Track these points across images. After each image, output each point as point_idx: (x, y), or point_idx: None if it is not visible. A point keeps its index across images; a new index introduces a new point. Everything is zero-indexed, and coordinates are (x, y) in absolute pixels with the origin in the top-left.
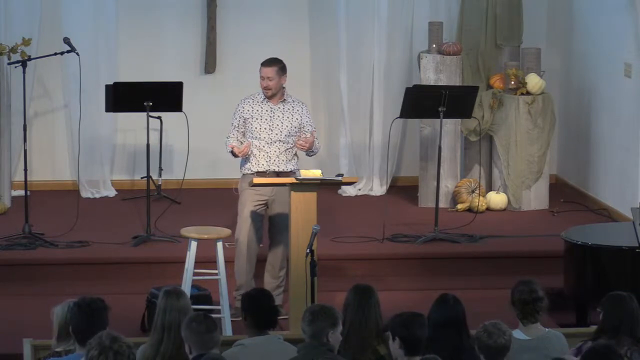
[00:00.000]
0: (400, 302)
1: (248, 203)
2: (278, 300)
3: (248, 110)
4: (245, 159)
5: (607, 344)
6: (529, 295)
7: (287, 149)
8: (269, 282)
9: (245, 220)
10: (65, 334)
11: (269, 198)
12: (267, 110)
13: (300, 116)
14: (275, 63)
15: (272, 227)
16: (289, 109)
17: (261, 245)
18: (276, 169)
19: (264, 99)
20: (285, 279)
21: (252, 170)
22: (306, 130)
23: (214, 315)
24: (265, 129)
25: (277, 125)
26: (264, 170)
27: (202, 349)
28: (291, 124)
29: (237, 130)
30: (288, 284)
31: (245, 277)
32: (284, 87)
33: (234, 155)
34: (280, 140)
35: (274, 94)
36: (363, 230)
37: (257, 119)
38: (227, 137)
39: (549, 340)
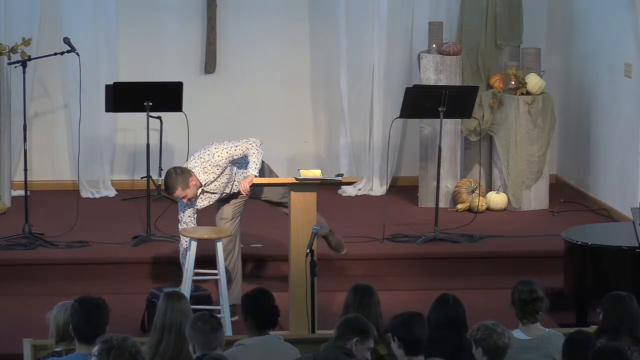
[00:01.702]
0: (400, 302)
1: (226, 206)
2: None
3: (193, 207)
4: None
5: (616, 346)
6: (529, 295)
7: (230, 179)
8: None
9: (224, 222)
10: (64, 335)
11: (246, 198)
12: (200, 200)
13: (222, 167)
14: (175, 186)
15: (270, 201)
16: (213, 184)
17: (242, 246)
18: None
19: None
20: None
21: None
22: (237, 157)
23: None
24: (212, 205)
25: (219, 188)
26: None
27: (206, 348)
28: (222, 176)
29: (191, 212)
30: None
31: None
32: (195, 175)
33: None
34: (224, 192)
35: (196, 196)
36: (363, 230)
37: (200, 207)
38: (181, 223)
39: (548, 340)
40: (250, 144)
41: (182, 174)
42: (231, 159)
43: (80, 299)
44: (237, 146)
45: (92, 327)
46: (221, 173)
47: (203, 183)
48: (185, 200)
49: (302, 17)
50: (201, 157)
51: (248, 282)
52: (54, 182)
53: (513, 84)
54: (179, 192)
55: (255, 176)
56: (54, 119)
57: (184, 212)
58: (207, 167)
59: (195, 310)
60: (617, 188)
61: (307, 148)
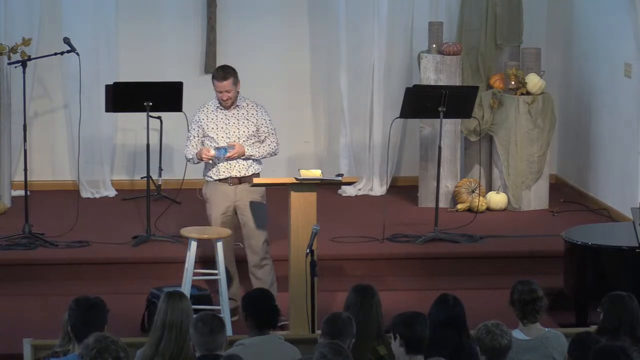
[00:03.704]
0: (400, 302)
1: (214, 212)
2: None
3: (203, 119)
4: (206, 166)
5: (620, 345)
6: (529, 295)
7: (246, 155)
8: (255, 282)
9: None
10: (65, 333)
11: (233, 203)
12: (221, 119)
13: (256, 119)
14: (229, 75)
15: (244, 230)
16: (243, 114)
17: (241, 246)
18: (237, 175)
19: (217, 107)
20: (269, 279)
21: (213, 178)
22: (262, 132)
23: None
24: (222, 137)
25: (233, 132)
26: (225, 177)
27: (205, 350)
28: (247, 128)
29: (196, 140)
30: (288, 285)
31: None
32: (237, 92)
33: (199, 160)
34: (226, 144)
35: (232, 103)
36: (363, 230)
37: (212, 128)
38: (185, 146)
39: (548, 340)
40: (274, 143)
41: (237, 75)
42: (259, 124)
43: (77, 299)
44: (270, 130)
45: (89, 327)
46: (246, 123)
47: (237, 102)
48: (223, 97)
49: (302, 18)
50: (254, 101)
51: (248, 283)
52: (54, 182)
53: (513, 84)
54: (228, 83)
55: (246, 158)
56: (54, 119)
57: (191, 138)
58: (247, 104)
59: (195, 310)
60: (617, 188)
61: (307, 148)
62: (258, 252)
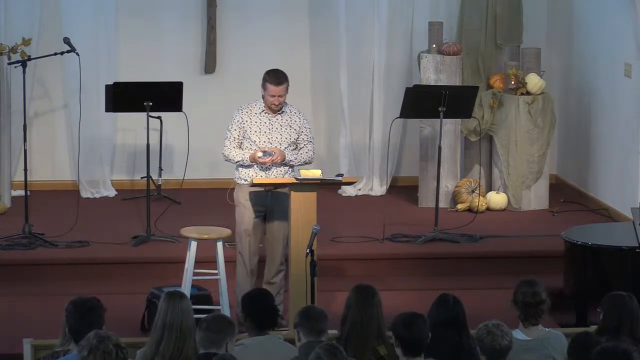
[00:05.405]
0: (400, 302)
1: (247, 215)
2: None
3: (247, 121)
4: (239, 169)
5: (623, 347)
6: (533, 298)
7: (286, 160)
8: (266, 285)
9: (245, 233)
10: (65, 333)
11: (267, 208)
12: (265, 122)
13: (298, 126)
14: (284, 80)
15: (269, 236)
16: (286, 120)
17: (261, 245)
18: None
19: (262, 110)
20: (282, 284)
21: (247, 181)
22: (301, 140)
23: None
24: (263, 141)
25: (276, 137)
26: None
27: (209, 348)
28: (290, 135)
29: (236, 141)
30: (287, 285)
31: (247, 286)
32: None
33: (251, 163)
34: (266, 147)
35: (280, 108)
36: (363, 230)
37: (255, 131)
38: (224, 147)
39: (548, 340)
40: (311, 152)
41: (288, 78)
42: (300, 131)
43: (73, 301)
44: (309, 138)
45: (88, 329)
46: (288, 130)
47: (283, 107)
48: (274, 101)
49: (302, 18)
50: (296, 107)
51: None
52: (54, 182)
53: (513, 84)
54: (283, 88)
55: (284, 163)
56: (54, 119)
57: (230, 139)
58: (290, 110)
59: (195, 311)
60: (617, 188)
61: None
62: (278, 256)
